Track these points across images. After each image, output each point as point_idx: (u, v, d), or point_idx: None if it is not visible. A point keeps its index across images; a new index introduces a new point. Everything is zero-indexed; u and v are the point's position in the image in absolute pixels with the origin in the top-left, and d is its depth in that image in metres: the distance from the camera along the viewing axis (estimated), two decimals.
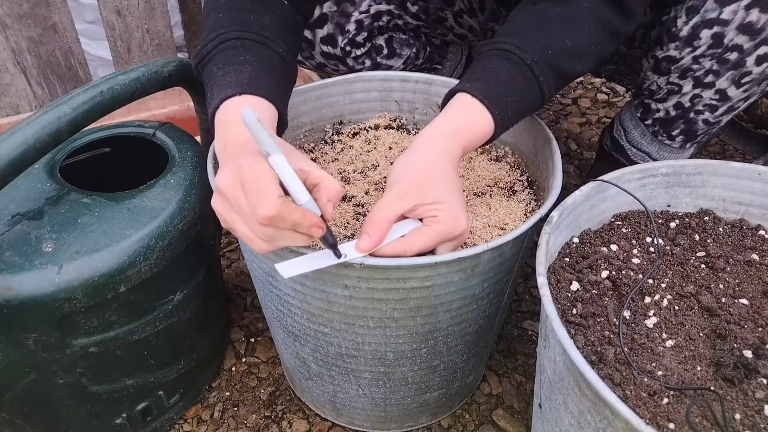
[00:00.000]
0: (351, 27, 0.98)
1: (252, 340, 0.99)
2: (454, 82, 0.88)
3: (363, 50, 1.02)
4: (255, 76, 0.63)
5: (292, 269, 0.57)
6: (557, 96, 1.62)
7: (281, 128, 0.68)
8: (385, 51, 1.05)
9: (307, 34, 0.99)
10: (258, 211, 0.51)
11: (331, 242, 0.56)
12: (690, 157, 0.97)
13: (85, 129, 0.69)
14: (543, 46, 0.67)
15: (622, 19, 0.70)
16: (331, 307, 0.66)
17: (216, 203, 0.56)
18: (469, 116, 0.66)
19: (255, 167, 0.52)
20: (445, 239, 0.60)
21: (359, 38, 1.00)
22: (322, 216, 0.55)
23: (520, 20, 0.71)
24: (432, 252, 0.61)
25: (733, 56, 0.77)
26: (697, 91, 0.84)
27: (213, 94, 0.63)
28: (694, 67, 0.81)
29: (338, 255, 0.57)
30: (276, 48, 0.68)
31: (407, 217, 0.62)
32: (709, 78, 0.81)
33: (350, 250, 0.58)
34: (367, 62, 1.04)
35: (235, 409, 0.90)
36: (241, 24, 0.67)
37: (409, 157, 0.63)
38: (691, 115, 0.87)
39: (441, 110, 0.69)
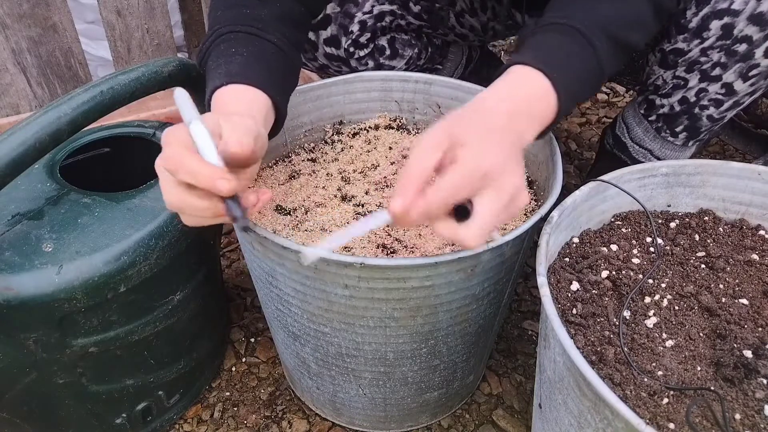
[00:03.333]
0: (354, 28, 0.98)
1: (252, 340, 0.99)
2: (455, 82, 0.88)
3: (366, 51, 1.02)
4: (245, 65, 0.63)
5: (313, 253, 0.52)
6: None
7: (279, 116, 0.66)
8: (388, 52, 1.05)
9: (311, 35, 0.99)
10: (161, 156, 0.49)
11: (231, 211, 0.49)
12: (690, 157, 0.97)
13: (85, 129, 0.69)
14: (591, 15, 0.62)
15: None
16: (331, 306, 0.66)
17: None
18: (523, 80, 0.58)
19: (170, 131, 0.51)
20: (473, 181, 0.49)
21: (362, 39, 1.00)
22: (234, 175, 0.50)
23: (559, 4, 0.66)
24: (467, 209, 0.50)
25: (742, 48, 0.77)
26: (703, 85, 0.84)
27: (207, 88, 0.63)
28: (702, 59, 0.81)
29: (242, 228, 0.50)
30: (271, 38, 0.67)
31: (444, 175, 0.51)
32: (717, 71, 0.81)
33: (383, 217, 0.51)
34: (370, 63, 1.04)
35: (235, 409, 0.90)
36: (235, 18, 0.67)
37: (452, 112, 0.55)
38: (696, 110, 0.87)
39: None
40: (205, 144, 0.50)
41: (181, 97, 0.52)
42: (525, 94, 0.57)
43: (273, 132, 0.67)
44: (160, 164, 0.50)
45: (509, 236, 0.61)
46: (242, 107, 0.60)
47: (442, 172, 0.50)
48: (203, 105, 0.87)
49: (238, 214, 0.49)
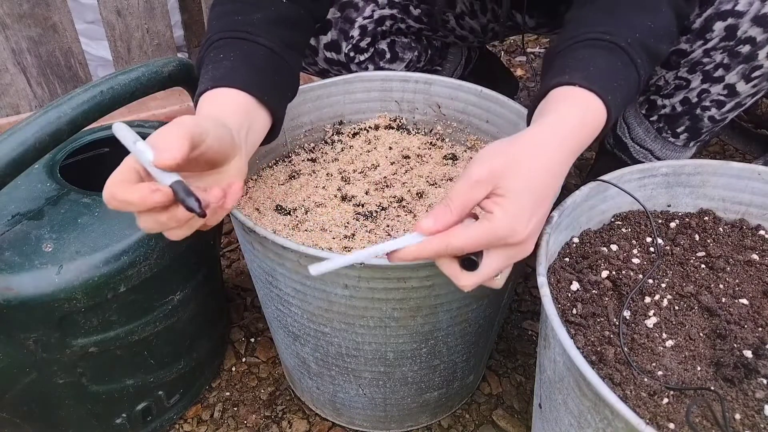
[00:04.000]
0: (355, 33, 0.98)
1: (252, 340, 0.99)
2: (454, 81, 0.88)
3: (366, 55, 1.02)
4: (230, 69, 0.63)
5: (320, 267, 0.51)
6: None
7: (275, 117, 0.66)
8: (388, 55, 1.05)
9: (311, 40, 0.99)
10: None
11: (188, 205, 0.48)
12: (690, 157, 0.97)
13: (85, 129, 0.69)
14: (630, 29, 0.61)
15: (684, 2, 0.68)
16: (331, 306, 0.66)
17: None
18: (580, 107, 0.56)
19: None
20: (495, 243, 0.50)
21: (363, 44, 1.00)
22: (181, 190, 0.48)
23: (589, 14, 0.65)
24: (479, 255, 0.51)
25: (746, 49, 0.77)
26: (705, 86, 0.84)
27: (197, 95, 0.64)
28: (705, 60, 0.81)
29: (201, 215, 0.49)
30: (260, 41, 0.67)
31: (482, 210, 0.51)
32: (719, 72, 0.81)
33: (407, 239, 0.50)
34: (371, 67, 1.04)
35: (235, 409, 0.90)
36: (226, 25, 0.68)
37: (508, 140, 0.53)
38: (698, 111, 0.87)
39: (530, 119, 0.61)
40: (144, 160, 0.49)
41: (119, 129, 0.51)
42: (582, 123, 0.56)
43: (271, 133, 0.67)
44: (106, 199, 0.49)
45: None
46: (214, 110, 0.59)
47: (475, 221, 0.50)
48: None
49: (192, 205, 0.48)
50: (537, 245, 0.58)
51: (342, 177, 0.82)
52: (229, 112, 0.59)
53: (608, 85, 0.57)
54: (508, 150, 0.52)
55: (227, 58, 0.64)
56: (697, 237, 0.68)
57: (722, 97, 0.84)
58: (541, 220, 0.53)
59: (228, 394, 0.92)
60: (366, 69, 1.03)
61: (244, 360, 0.96)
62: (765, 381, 0.52)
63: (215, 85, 0.61)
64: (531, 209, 0.50)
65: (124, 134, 0.50)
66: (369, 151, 0.87)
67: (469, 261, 0.50)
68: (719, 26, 0.77)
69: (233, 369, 0.95)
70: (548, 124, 0.55)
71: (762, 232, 0.68)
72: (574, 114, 0.56)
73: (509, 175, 0.50)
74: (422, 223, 0.49)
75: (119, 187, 0.48)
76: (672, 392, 0.51)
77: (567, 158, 0.54)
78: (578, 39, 0.61)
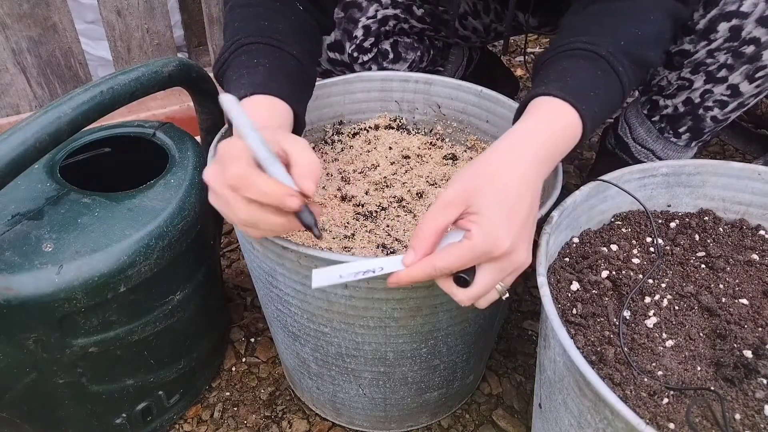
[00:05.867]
0: (358, 33, 0.99)
1: (252, 340, 0.99)
2: (454, 81, 0.88)
3: (370, 56, 1.02)
4: (268, 76, 0.64)
5: (322, 279, 0.54)
6: None
7: (298, 128, 0.67)
8: (391, 55, 1.05)
9: None
10: (225, 174, 0.50)
11: (306, 221, 0.51)
12: (691, 157, 0.97)
13: (85, 129, 0.69)
14: (613, 37, 0.63)
15: (682, 6, 0.69)
16: (331, 306, 0.66)
17: (210, 198, 0.55)
18: (552, 116, 0.58)
19: (228, 145, 0.51)
20: (481, 259, 0.52)
21: (366, 44, 1.00)
22: (302, 194, 0.51)
23: (578, 22, 0.67)
24: (472, 272, 0.53)
25: (750, 50, 0.77)
26: (708, 86, 0.84)
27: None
28: (708, 61, 0.81)
29: (317, 236, 0.52)
30: (290, 50, 0.68)
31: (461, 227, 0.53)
32: (723, 73, 0.81)
33: (396, 264, 0.53)
34: (374, 68, 1.04)
35: (235, 409, 0.90)
36: (255, 30, 0.68)
37: (479, 159, 0.55)
38: (700, 111, 0.87)
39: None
40: (261, 152, 0.50)
41: (230, 103, 0.50)
42: (555, 132, 0.57)
43: None
44: (222, 181, 0.50)
45: None
46: (273, 120, 0.61)
47: (456, 243, 0.52)
48: (200, 105, 0.88)
49: (311, 223, 0.51)
50: (536, 246, 0.58)
51: (342, 177, 0.82)
52: (283, 122, 0.62)
53: (584, 95, 0.59)
54: (478, 169, 0.54)
55: (262, 64, 0.65)
56: (697, 237, 0.68)
57: (725, 98, 0.84)
58: (524, 228, 0.53)
59: (228, 394, 0.92)
60: (369, 69, 1.03)
61: (244, 360, 0.96)
62: (765, 381, 0.52)
63: (256, 91, 0.61)
64: (507, 219, 0.52)
65: (240, 117, 0.50)
66: (369, 151, 0.87)
67: (461, 279, 0.52)
68: (724, 27, 0.77)
69: (233, 369, 0.95)
70: (519, 135, 0.56)
71: (762, 232, 0.68)
72: (546, 122, 0.57)
73: (480, 192, 0.52)
74: (406, 259, 0.52)
75: (255, 172, 0.49)
76: (672, 392, 0.51)
77: (540, 166, 0.56)
78: (562, 49, 0.63)
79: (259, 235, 0.55)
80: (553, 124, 0.57)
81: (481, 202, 0.52)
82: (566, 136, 0.58)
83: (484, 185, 0.52)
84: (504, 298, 0.55)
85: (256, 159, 0.50)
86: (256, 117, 0.59)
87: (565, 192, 0.65)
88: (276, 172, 0.50)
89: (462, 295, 0.53)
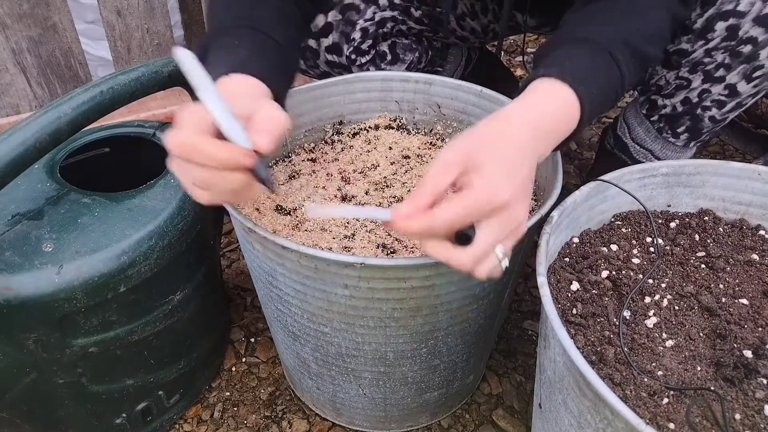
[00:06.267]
0: (356, 35, 0.98)
1: (252, 340, 0.99)
2: (455, 81, 0.88)
3: (367, 58, 1.02)
4: (247, 57, 0.63)
5: (316, 210, 0.53)
6: None
7: None
8: (389, 57, 1.05)
9: (312, 43, 0.99)
10: (173, 140, 0.48)
11: (261, 176, 0.50)
12: (690, 157, 0.97)
13: (85, 129, 0.69)
14: (615, 31, 0.63)
15: (682, 5, 0.69)
16: (331, 306, 0.66)
17: (168, 163, 0.53)
18: (549, 96, 0.57)
19: (185, 110, 0.50)
20: (481, 210, 0.50)
21: (364, 46, 1.00)
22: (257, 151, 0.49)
23: (578, 18, 0.67)
24: (472, 229, 0.51)
25: (747, 49, 0.77)
26: (706, 86, 0.84)
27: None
28: (706, 60, 0.81)
29: (273, 191, 0.51)
30: (272, 35, 0.67)
31: (459, 189, 0.52)
32: (720, 72, 0.81)
33: (386, 215, 0.51)
34: (372, 69, 1.04)
35: (235, 409, 0.90)
36: (236, 14, 0.68)
37: (478, 125, 0.54)
38: (698, 111, 0.87)
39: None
40: (215, 110, 0.48)
41: (185, 56, 0.48)
42: (552, 109, 0.57)
43: None
44: (173, 143, 0.49)
45: None
46: (247, 95, 0.59)
47: (456, 193, 0.50)
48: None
49: (266, 178, 0.49)
50: (537, 245, 0.58)
51: (342, 177, 0.82)
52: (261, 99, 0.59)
53: (582, 77, 0.58)
54: (477, 132, 0.53)
55: (243, 46, 0.64)
56: (697, 237, 0.68)
57: (723, 97, 0.84)
58: (524, 190, 0.52)
59: (228, 394, 0.92)
60: (367, 71, 1.03)
61: (244, 360, 0.96)
62: (765, 381, 0.52)
63: (234, 70, 0.60)
64: (507, 174, 0.51)
65: (197, 73, 0.48)
66: (369, 151, 0.87)
67: (464, 236, 0.50)
68: (721, 26, 0.77)
69: (233, 369, 0.95)
70: (516, 109, 0.56)
71: (762, 232, 0.68)
72: (542, 101, 0.57)
73: (481, 151, 0.51)
74: (398, 210, 0.50)
75: (202, 139, 0.48)
76: (672, 392, 0.51)
77: (536, 141, 0.55)
78: (562, 39, 0.63)
79: (216, 199, 0.53)
80: (550, 103, 0.57)
81: (483, 159, 0.50)
82: (564, 116, 0.57)
83: (485, 145, 0.52)
84: (503, 266, 0.53)
85: (212, 116, 0.49)
86: (232, 92, 0.58)
87: (565, 192, 0.65)
88: (230, 128, 0.49)
89: (463, 255, 0.51)
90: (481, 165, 0.50)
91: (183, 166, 0.50)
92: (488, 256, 0.52)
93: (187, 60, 0.48)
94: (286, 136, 0.87)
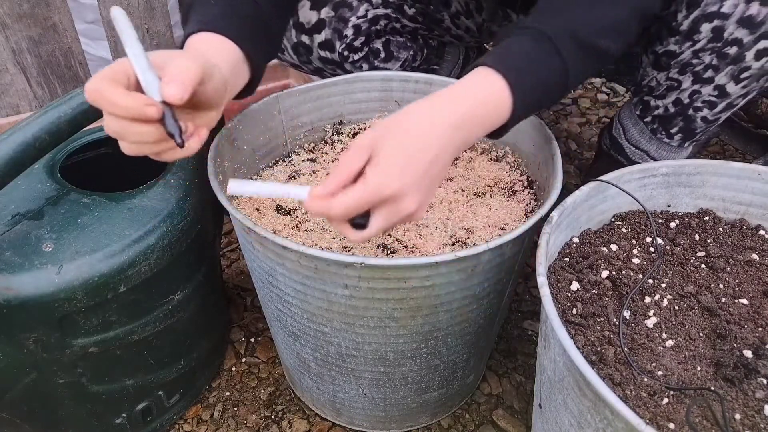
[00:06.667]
0: (349, 32, 0.98)
1: (252, 340, 0.99)
2: (454, 81, 0.88)
3: (360, 55, 1.02)
4: (219, 16, 0.62)
5: (239, 187, 0.55)
6: None
7: (254, 72, 0.65)
8: (383, 55, 1.05)
9: (305, 39, 0.99)
10: (85, 87, 0.50)
11: (168, 128, 0.51)
12: (690, 157, 0.97)
13: (85, 129, 0.69)
14: (564, 21, 0.63)
15: (654, 1, 0.68)
16: (331, 306, 0.66)
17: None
18: (478, 84, 0.58)
19: (105, 66, 0.51)
20: (372, 201, 0.53)
21: (357, 43, 1.00)
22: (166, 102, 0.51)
23: (540, 7, 0.66)
24: (366, 217, 0.55)
25: (733, 50, 0.77)
26: (696, 87, 0.84)
27: (183, 35, 0.63)
28: (694, 61, 0.81)
29: (179, 144, 0.52)
30: None
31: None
32: (709, 73, 0.82)
33: (302, 194, 0.55)
34: (365, 66, 1.04)
35: (235, 409, 0.90)
36: None
37: (397, 111, 0.57)
38: (690, 111, 0.87)
39: None
40: (135, 62, 0.50)
41: (119, 16, 0.51)
42: (481, 97, 0.58)
43: (248, 89, 0.67)
44: (86, 91, 0.50)
45: (509, 236, 0.61)
46: (209, 53, 0.59)
47: (354, 183, 0.54)
48: None
49: (173, 130, 0.51)
50: (537, 245, 0.58)
51: None
52: (221, 60, 0.59)
53: (516, 67, 0.59)
54: (394, 118, 0.56)
55: (217, 4, 0.63)
56: (697, 237, 0.68)
57: (713, 98, 0.84)
58: (422, 179, 0.55)
59: (228, 394, 0.92)
60: (360, 68, 1.03)
61: (244, 360, 0.96)
62: (765, 381, 0.52)
63: (203, 28, 0.60)
64: (403, 166, 0.53)
65: (126, 28, 0.51)
66: None
67: (358, 223, 0.55)
68: (706, 28, 0.77)
69: (233, 369, 0.95)
70: (441, 95, 0.58)
71: (762, 232, 0.68)
72: (470, 88, 0.58)
73: (385, 138, 0.54)
74: (312, 192, 0.53)
75: (109, 86, 0.49)
76: (672, 392, 0.51)
77: (456, 130, 0.57)
78: (513, 29, 0.64)
79: (136, 151, 0.54)
80: (478, 91, 0.58)
81: (383, 147, 0.54)
82: (491, 105, 0.58)
83: (390, 133, 0.54)
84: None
85: (134, 70, 0.51)
86: (197, 50, 0.59)
87: (565, 192, 0.65)
88: (145, 79, 0.50)
89: (353, 236, 0.55)
90: (379, 154, 0.54)
91: (105, 117, 0.52)
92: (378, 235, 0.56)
93: (119, 18, 0.51)
94: (286, 136, 0.87)
